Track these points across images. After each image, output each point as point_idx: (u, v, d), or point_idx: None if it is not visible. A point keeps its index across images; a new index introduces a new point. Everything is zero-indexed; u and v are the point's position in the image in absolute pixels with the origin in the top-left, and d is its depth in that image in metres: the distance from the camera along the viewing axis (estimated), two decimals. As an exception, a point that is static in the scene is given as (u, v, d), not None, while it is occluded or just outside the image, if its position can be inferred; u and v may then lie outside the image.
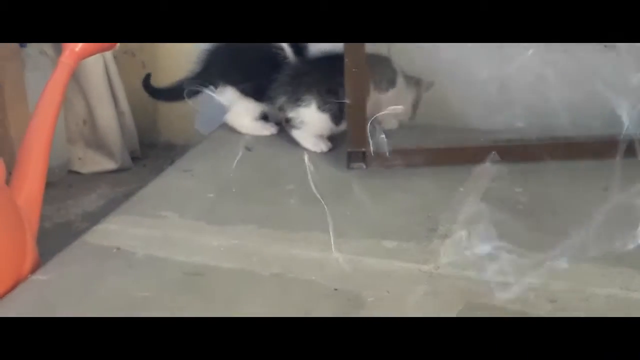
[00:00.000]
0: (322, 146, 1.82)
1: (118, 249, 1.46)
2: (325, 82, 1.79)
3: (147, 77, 1.94)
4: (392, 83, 1.86)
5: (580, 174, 1.63)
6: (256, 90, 1.89)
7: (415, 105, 1.91)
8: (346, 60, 1.58)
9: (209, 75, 1.89)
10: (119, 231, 1.52)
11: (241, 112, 1.93)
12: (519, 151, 1.66)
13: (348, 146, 1.66)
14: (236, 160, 1.66)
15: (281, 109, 1.84)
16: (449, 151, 1.66)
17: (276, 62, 1.87)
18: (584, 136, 1.65)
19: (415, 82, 1.91)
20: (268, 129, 1.93)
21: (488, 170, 1.66)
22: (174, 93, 1.90)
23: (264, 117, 1.94)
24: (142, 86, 1.95)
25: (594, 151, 1.64)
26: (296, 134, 1.84)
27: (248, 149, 1.83)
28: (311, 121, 1.81)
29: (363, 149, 1.64)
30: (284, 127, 1.89)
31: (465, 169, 1.67)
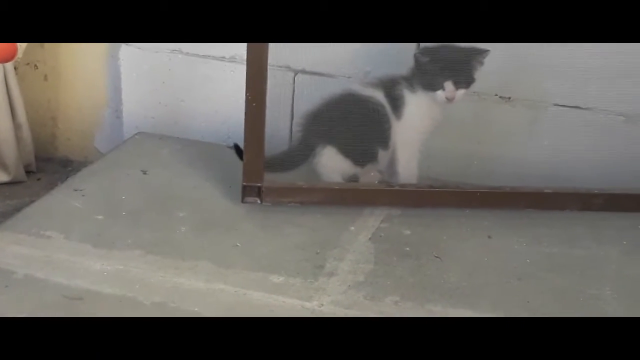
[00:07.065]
0: None
1: (-4, 267, 1.43)
2: None
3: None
4: None
5: (468, 221, 1.68)
6: None
7: None
8: (247, 94, 1.58)
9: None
10: (-1, 248, 1.48)
11: None
12: (411, 196, 1.69)
13: (243, 180, 1.65)
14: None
15: None
16: (342, 192, 1.68)
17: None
18: (472, 185, 1.70)
19: None
20: None
21: (379, 211, 1.69)
22: None
23: None
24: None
25: (482, 200, 1.69)
26: None
27: (144, 171, 1.81)
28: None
29: (258, 184, 1.64)
30: None
31: (357, 209, 1.69)
